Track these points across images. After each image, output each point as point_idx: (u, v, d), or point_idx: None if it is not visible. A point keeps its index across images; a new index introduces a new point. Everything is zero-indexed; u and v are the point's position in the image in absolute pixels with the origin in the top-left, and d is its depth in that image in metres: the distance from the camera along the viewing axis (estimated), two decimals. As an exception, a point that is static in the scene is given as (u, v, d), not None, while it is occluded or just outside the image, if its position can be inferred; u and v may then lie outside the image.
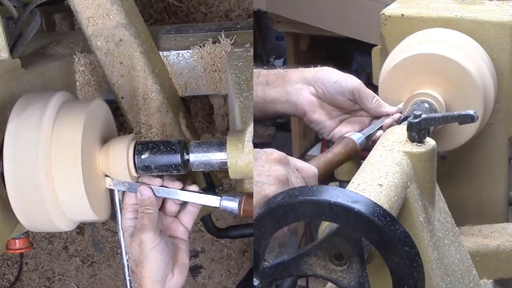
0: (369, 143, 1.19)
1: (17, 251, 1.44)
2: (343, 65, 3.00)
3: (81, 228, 2.79)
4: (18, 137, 1.10)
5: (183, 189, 1.19)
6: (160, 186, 1.18)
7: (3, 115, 1.15)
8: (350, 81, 1.23)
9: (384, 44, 1.33)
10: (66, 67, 1.58)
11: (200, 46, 1.60)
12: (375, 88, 1.32)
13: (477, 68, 1.21)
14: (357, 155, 1.19)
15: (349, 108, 1.25)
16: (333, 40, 2.72)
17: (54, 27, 2.11)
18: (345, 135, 1.20)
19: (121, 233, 1.20)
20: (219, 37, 1.60)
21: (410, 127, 0.98)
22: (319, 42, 2.86)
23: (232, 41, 1.59)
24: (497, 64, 1.26)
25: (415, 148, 0.97)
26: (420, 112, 0.98)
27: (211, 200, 1.18)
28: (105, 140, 1.20)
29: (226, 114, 1.73)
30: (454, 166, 1.36)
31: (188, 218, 1.23)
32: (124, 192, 1.20)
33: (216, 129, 1.77)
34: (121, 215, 1.20)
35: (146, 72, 1.51)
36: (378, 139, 1.17)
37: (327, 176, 1.15)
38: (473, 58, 1.22)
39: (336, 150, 1.16)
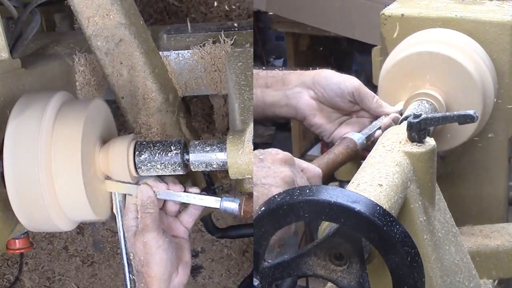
0: (368, 143, 1.19)
1: (17, 251, 1.44)
2: (343, 65, 3.01)
3: (81, 228, 2.79)
4: (18, 137, 1.10)
5: (184, 191, 1.19)
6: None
7: (3, 115, 1.15)
8: (349, 82, 1.23)
9: (384, 44, 1.33)
10: (66, 67, 1.58)
11: (200, 46, 1.60)
12: (375, 88, 1.32)
13: (476, 68, 1.21)
14: (358, 155, 1.19)
15: (349, 109, 1.25)
16: (333, 40, 2.72)
17: (54, 27, 2.11)
18: (345, 136, 1.20)
19: (121, 233, 1.20)
20: (219, 37, 1.60)
21: (410, 127, 0.98)
22: (319, 42, 2.86)
23: (232, 41, 1.59)
24: (497, 64, 1.26)
25: (415, 148, 0.97)
26: (420, 112, 0.98)
27: (212, 202, 1.18)
28: (105, 140, 1.20)
29: (226, 114, 1.73)
30: (454, 166, 1.36)
31: (189, 219, 1.23)
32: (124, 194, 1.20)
33: (216, 129, 1.77)
34: (122, 216, 1.20)
35: (146, 72, 1.51)
36: (377, 139, 1.18)
37: (329, 177, 1.16)
38: (473, 58, 1.22)
39: (337, 151, 1.17)
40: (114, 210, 1.21)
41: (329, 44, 2.87)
